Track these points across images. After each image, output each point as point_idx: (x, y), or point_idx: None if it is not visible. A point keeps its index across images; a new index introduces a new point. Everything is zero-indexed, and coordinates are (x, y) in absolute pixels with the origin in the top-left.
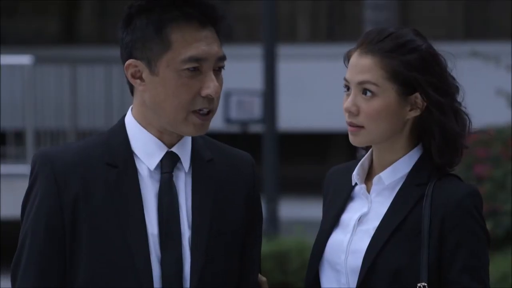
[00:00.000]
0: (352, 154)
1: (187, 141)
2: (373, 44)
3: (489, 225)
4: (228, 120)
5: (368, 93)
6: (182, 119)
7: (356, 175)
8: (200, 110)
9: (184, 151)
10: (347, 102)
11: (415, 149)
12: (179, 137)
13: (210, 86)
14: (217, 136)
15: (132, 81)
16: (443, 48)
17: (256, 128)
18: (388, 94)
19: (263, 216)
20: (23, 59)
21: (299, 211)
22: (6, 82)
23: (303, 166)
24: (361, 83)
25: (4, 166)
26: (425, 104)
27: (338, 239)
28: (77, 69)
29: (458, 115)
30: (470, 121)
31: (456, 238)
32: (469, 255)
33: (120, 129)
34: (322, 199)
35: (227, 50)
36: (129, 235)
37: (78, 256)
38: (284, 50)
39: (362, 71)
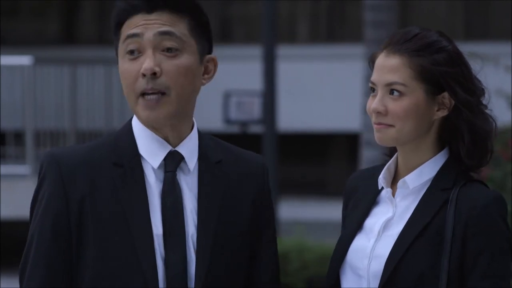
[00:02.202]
0: (352, 155)
1: (193, 141)
2: (400, 44)
3: None
4: (227, 121)
5: (396, 93)
6: (134, 104)
7: (382, 179)
8: (145, 94)
9: (188, 150)
10: (375, 103)
11: (441, 153)
12: (182, 137)
13: (144, 63)
14: (216, 136)
15: None
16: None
17: (255, 129)
18: (416, 94)
19: None
20: (23, 60)
21: (299, 211)
22: (6, 82)
23: (303, 167)
24: (389, 84)
25: (3, 167)
26: (452, 104)
27: (361, 244)
28: (77, 69)
29: (484, 116)
30: (496, 123)
31: (478, 245)
32: (490, 263)
33: (128, 130)
34: (343, 203)
35: (227, 50)
36: (135, 235)
37: (85, 256)
38: (283, 51)
39: (390, 72)
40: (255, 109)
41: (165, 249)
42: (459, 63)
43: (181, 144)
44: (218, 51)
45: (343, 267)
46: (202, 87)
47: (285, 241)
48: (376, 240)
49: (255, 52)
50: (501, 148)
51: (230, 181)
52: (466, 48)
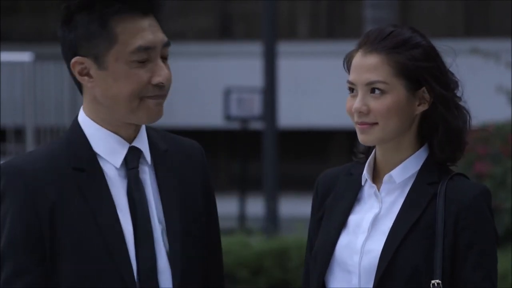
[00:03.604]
0: (352, 151)
1: (144, 134)
2: (376, 43)
3: None
4: (228, 117)
5: (377, 92)
6: (136, 106)
7: (367, 174)
8: (151, 96)
9: (143, 144)
10: (357, 103)
11: (422, 148)
12: (136, 131)
13: (161, 74)
14: (216, 133)
15: (80, 78)
16: (442, 45)
17: (256, 125)
18: (397, 91)
19: (263, 214)
20: (23, 57)
21: (299, 208)
22: (6, 79)
23: (303, 163)
24: (370, 83)
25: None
26: (431, 98)
27: (349, 240)
28: None
29: (459, 110)
30: (470, 117)
31: (469, 237)
32: (482, 254)
33: (77, 131)
34: (314, 199)
35: (227, 47)
36: (107, 236)
37: (60, 266)
38: (284, 48)
39: (369, 70)
40: (255, 106)
41: (135, 245)
42: (435, 58)
43: (137, 138)
44: (218, 48)
45: (330, 265)
46: (203, 84)
47: (285, 238)
48: (367, 236)
49: (256, 48)
50: (501, 144)
51: (180, 169)
52: (466, 45)
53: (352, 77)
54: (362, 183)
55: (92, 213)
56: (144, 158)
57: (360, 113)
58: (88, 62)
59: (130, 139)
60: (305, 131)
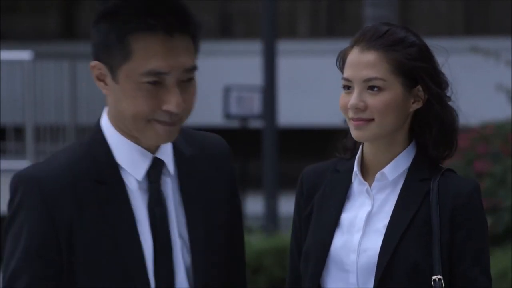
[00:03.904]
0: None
1: None
2: (373, 40)
3: (489, 221)
4: (227, 116)
5: (375, 88)
6: (142, 127)
7: (358, 172)
8: (160, 121)
9: (167, 153)
10: (354, 98)
11: (411, 144)
12: None
13: (171, 102)
14: (216, 131)
15: (97, 83)
16: (443, 44)
17: (255, 124)
18: (395, 88)
19: (262, 212)
20: (23, 55)
21: None
22: (6, 77)
23: (303, 162)
24: (368, 80)
25: (4, 162)
26: (426, 96)
27: (344, 239)
28: (77, 64)
29: (450, 108)
30: (458, 116)
31: (465, 232)
32: (478, 248)
33: (100, 139)
34: (297, 199)
35: (227, 46)
36: (125, 253)
37: (77, 280)
38: (284, 46)
39: (367, 67)
40: (255, 104)
41: (154, 262)
42: (430, 57)
43: (160, 148)
44: (218, 46)
45: (326, 265)
46: (203, 83)
47: (284, 237)
48: (362, 235)
49: (255, 47)
50: (501, 143)
51: (205, 176)
52: (466, 44)
53: (348, 73)
54: (352, 180)
55: (111, 228)
56: (167, 168)
57: (357, 109)
58: (105, 70)
59: (152, 149)
60: (305, 129)
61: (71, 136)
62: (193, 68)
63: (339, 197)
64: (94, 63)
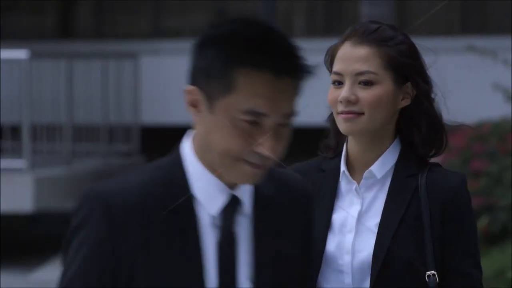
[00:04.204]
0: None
1: None
2: (366, 35)
3: (485, 220)
4: None
5: (366, 83)
6: (229, 165)
7: (346, 170)
8: (250, 163)
9: (246, 191)
10: (346, 92)
11: (396, 141)
12: None
13: (265, 145)
14: None
15: (188, 108)
16: (439, 43)
17: None
18: (386, 83)
19: None
20: (20, 54)
21: None
22: (3, 76)
23: (301, 161)
24: (360, 73)
25: (0, 161)
26: (414, 93)
27: (338, 240)
28: (74, 63)
29: (436, 106)
30: (441, 115)
31: (456, 226)
32: (469, 241)
33: (179, 166)
34: None
35: None
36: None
37: None
38: None
39: (360, 61)
40: None
41: None
42: (418, 56)
43: (240, 185)
44: None
45: (321, 267)
46: None
47: None
48: (354, 235)
49: None
50: (498, 142)
51: (281, 219)
52: (463, 43)
53: (339, 67)
54: (340, 179)
55: (177, 262)
56: (244, 208)
57: (348, 102)
58: (201, 97)
59: (232, 185)
60: (302, 128)
61: (68, 135)
62: (292, 114)
63: (328, 197)
64: (192, 88)
